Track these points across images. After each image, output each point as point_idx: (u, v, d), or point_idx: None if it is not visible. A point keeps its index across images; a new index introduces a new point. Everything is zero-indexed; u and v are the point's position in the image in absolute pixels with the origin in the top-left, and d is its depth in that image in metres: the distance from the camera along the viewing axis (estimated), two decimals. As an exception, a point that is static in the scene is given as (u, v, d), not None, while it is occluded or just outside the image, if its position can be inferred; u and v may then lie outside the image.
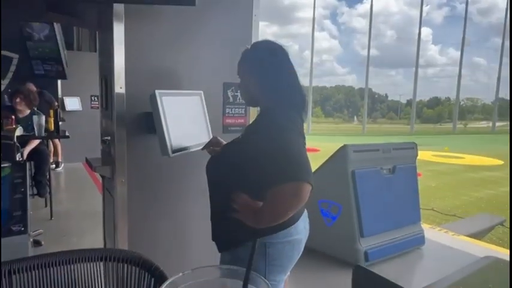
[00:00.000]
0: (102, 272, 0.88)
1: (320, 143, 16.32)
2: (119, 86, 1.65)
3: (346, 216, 2.62)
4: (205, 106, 1.77)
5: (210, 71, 1.89)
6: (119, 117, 1.65)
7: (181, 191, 1.86)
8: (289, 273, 1.30)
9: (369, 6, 31.99)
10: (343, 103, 64.01)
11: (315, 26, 32.69)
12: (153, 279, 0.84)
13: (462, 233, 3.50)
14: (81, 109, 6.73)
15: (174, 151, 1.51)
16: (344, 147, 2.63)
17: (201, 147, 1.54)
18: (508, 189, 9.18)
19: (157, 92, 1.50)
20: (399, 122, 51.37)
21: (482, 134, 33.69)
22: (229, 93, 1.95)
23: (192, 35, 1.83)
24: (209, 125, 1.77)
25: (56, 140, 5.91)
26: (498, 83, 35.79)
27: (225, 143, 1.47)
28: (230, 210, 1.12)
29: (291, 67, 1.23)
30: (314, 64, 33.66)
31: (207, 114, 1.77)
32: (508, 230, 4.95)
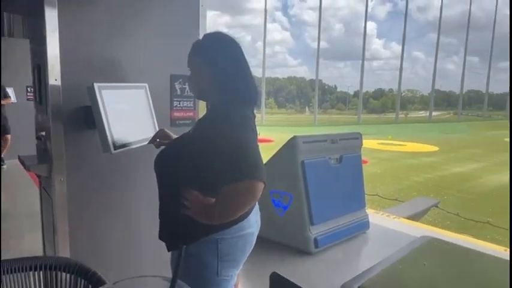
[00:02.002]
0: (33, 282, 0.81)
1: (274, 134, 16.58)
2: (54, 77, 1.52)
3: (297, 205, 2.70)
4: (150, 99, 1.70)
5: (156, 62, 1.81)
6: (54, 112, 1.53)
7: (127, 190, 1.78)
8: (241, 266, 1.31)
9: (318, -1, 32.75)
10: (295, 94, 65.48)
11: (267, 17, 32.83)
12: (90, 286, 0.79)
13: (402, 216, 3.78)
14: (15, 101, 6.15)
15: (116, 147, 1.43)
16: (294, 138, 2.69)
17: (146, 142, 1.48)
18: (442, 173, 10.07)
19: (95, 84, 1.40)
20: (347, 112, 53.85)
21: (421, 123, 36.46)
22: (177, 86, 1.89)
23: (135, 24, 1.73)
24: (155, 119, 1.71)
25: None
26: (434, 76, 38.88)
27: (173, 136, 1.42)
28: (181, 207, 1.10)
29: (243, 60, 1.21)
30: (267, 55, 33.93)
31: (152, 108, 1.70)
32: (441, 211, 5.45)
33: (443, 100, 54.89)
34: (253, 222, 1.23)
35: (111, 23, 1.66)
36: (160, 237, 1.25)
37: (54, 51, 1.51)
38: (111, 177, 1.71)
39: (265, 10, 31.71)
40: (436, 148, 15.36)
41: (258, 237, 1.29)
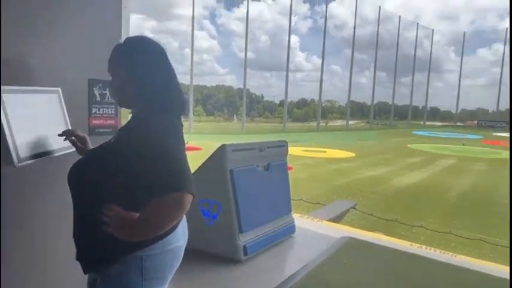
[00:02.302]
0: None
1: (202, 142, 16.38)
2: None
3: (226, 214, 2.69)
4: (64, 105, 1.55)
5: (72, 65, 1.66)
6: None
7: (36, 207, 1.58)
8: (168, 282, 1.25)
9: (245, 10, 33.62)
10: (224, 102, 65.84)
11: (195, 24, 32.57)
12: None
13: (325, 219, 4.03)
14: None
15: (21, 159, 1.27)
16: (223, 147, 2.69)
17: (59, 152, 1.34)
18: (358, 177, 11.00)
19: (-3, 87, 1.23)
20: (274, 120, 55.85)
21: (339, 131, 39.50)
22: (96, 91, 1.75)
23: (51, 24, 1.57)
24: (70, 126, 1.56)
25: None
26: (350, 88, 42.63)
27: (90, 144, 1.31)
28: (100, 224, 1.00)
29: (168, 66, 1.17)
30: (195, 63, 33.52)
31: (67, 115, 1.55)
32: (358, 212, 5.96)
33: (358, 110, 60.41)
34: (181, 235, 1.18)
35: (24, 22, 1.48)
36: (78, 258, 1.13)
37: None
38: (17, 194, 1.50)
39: (193, 17, 31.44)
40: (353, 154, 16.75)
41: (186, 248, 1.25)
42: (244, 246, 2.67)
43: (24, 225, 1.56)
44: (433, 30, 56.13)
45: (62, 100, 1.54)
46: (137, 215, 0.98)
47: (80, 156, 1.24)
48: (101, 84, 1.74)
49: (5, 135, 1.23)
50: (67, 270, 1.25)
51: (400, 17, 50.07)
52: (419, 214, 6.95)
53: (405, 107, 55.79)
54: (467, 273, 2.68)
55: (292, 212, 3.36)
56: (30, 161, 1.32)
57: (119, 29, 1.83)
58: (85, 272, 1.12)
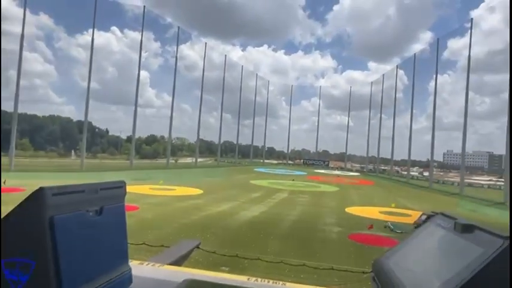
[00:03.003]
0: None
1: (28, 181, 13.65)
2: None
3: (41, 274, 2.20)
4: None
5: None
6: None
7: None
8: None
9: (90, 38, 31.02)
10: (59, 135, 57.31)
11: (25, 44, 27.83)
12: None
13: (167, 262, 3.83)
14: None
15: None
16: (40, 190, 2.24)
17: None
18: (206, 213, 11.17)
19: None
20: (120, 157, 51.96)
21: (189, 168, 39.92)
22: None
23: None
24: None
25: None
26: (199, 127, 44.15)
27: None
28: None
29: None
30: (23, 88, 28.27)
31: None
32: (203, 251, 5.95)
33: (206, 148, 62.89)
34: None
35: None
36: None
37: None
38: None
39: (22, 36, 26.85)
40: (201, 191, 17.07)
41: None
42: (65, 311, 2.23)
43: None
44: (268, 81, 65.51)
45: None
46: None
47: None
48: None
49: None
50: None
51: (242, 66, 56.41)
52: (259, 245, 7.52)
53: (247, 147, 61.64)
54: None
55: (129, 260, 3.06)
56: None
57: None
58: None
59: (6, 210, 2.27)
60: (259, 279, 3.42)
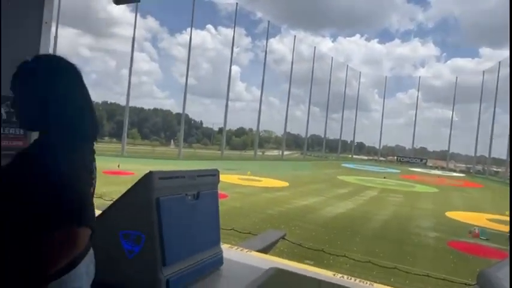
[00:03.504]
0: None
1: (136, 166, 15.62)
2: None
3: (149, 246, 2.53)
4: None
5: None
6: None
7: None
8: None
9: (188, 37, 33.89)
10: (161, 126, 64.08)
11: (135, 45, 31.78)
12: None
13: (254, 249, 4.01)
14: None
15: None
16: (149, 174, 2.57)
17: None
18: (291, 206, 11.29)
19: None
20: (212, 147, 55.65)
21: (275, 160, 40.62)
22: (3, 109, 1.58)
23: None
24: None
25: None
26: (286, 120, 44.59)
27: None
28: None
29: (80, 89, 1.10)
30: (132, 84, 32.37)
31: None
32: (288, 242, 6.06)
33: (293, 141, 63.13)
34: (82, 274, 1.06)
35: None
36: None
37: None
38: None
39: (134, 38, 30.72)
40: (286, 184, 17.25)
41: (102, 283, 1.13)
42: (167, 281, 2.51)
43: None
44: (360, 72, 62.25)
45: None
46: (26, 249, 0.87)
47: None
48: (8, 102, 1.57)
49: None
50: None
51: (332, 58, 54.80)
52: (345, 243, 7.30)
53: (335, 141, 59.88)
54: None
55: (220, 243, 3.29)
56: None
57: (37, 44, 1.70)
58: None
59: (120, 190, 2.65)
60: (345, 276, 3.34)
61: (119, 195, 2.45)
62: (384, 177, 27.53)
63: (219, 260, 3.17)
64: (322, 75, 53.52)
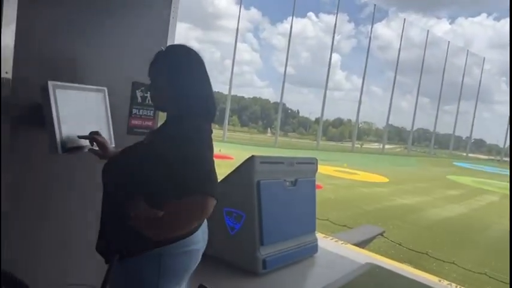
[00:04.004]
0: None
1: (234, 151, 16.59)
2: (5, 70, 1.43)
3: (249, 225, 2.69)
4: (108, 104, 1.65)
5: (119, 67, 1.77)
6: (2, 106, 1.43)
7: (68, 195, 1.68)
8: (183, 283, 1.27)
9: (288, 26, 34.10)
10: (259, 114, 66.47)
11: (238, 36, 33.43)
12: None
13: (350, 242, 3.90)
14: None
15: (64, 149, 1.37)
16: (251, 158, 2.71)
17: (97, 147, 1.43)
18: (390, 203, 10.58)
19: (50, 82, 1.35)
20: (307, 137, 55.38)
21: (374, 154, 38.33)
22: (138, 94, 1.85)
23: (102, 26, 1.70)
24: (111, 125, 1.65)
25: None
26: (389, 111, 41.45)
27: (110, 147, 1.38)
28: (125, 218, 1.06)
29: (205, 75, 1.23)
30: (234, 74, 34.24)
31: (109, 113, 1.65)
32: (386, 240, 5.70)
33: (396, 135, 58.51)
34: (200, 239, 1.21)
35: (75, 22, 1.60)
36: (98, 249, 1.19)
37: (8, 43, 1.43)
38: (53, 181, 1.61)
39: (237, 30, 32.30)
40: (386, 179, 16.17)
41: (204, 254, 1.27)
42: (264, 260, 2.65)
43: (53, 211, 1.66)
44: (484, 58, 53.62)
45: (107, 99, 1.64)
46: (161, 213, 1.03)
47: None
48: (143, 87, 1.84)
49: (53, 126, 1.34)
50: (91, 257, 1.31)
51: (449, 42, 48.46)
52: (454, 250, 6.54)
53: (447, 136, 53.26)
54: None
55: (316, 232, 3.30)
56: (71, 152, 1.41)
57: (165, 37, 1.93)
58: (106, 262, 1.17)
59: (220, 172, 2.86)
60: (453, 284, 3.02)
61: (221, 177, 2.65)
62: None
63: (313, 248, 3.20)
64: (435, 62, 47.94)
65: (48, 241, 1.65)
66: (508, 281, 4.93)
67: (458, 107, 50.25)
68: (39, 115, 1.42)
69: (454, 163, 36.41)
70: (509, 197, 9.22)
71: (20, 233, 1.55)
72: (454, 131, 51.35)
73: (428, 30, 46.35)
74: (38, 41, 1.50)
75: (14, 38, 1.44)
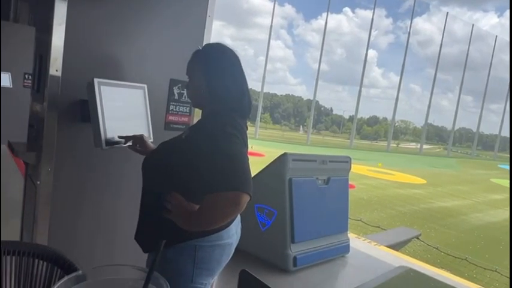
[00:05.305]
0: (8, 266, 0.81)
1: (266, 148, 16.64)
2: (55, 68, 1.54)
3: (280, 222, 2.70)
4: (147, 100, 1.72)
5: (157, 65, 1.84)
6: (51, 102, 1.54)
7: (111, 187, 1.78)
8: (216, 276, 1.31)
9: (323, 22, 33.55)
10: (291, 112, 66.09)
11: (272, 33, 33.35)
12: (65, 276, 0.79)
13: (383, 244, 3.81)
14: (11, 86, 6.10)
15: (108, 143, 1.45)
16: (284, 155, 2.71)
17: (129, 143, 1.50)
18: (427, 206, 10.16)
19: (96, 80, 1.43)
20: (341, 135, 54.33)
21: (411, 154, 36.86)
22: (175, 91, 1.91)
23: (142, 26, 1.77)
24: (150, 120, 1.73)
25: None
26: (428, 110, 39.64)
27: (151, 144, 1.44)
28: (163, 210, 1.11)
29: (241, 73, 1.25)
30: (267, 71, 34.28)
31: (149, 109, 1.73)
32: (422, 243, 5.50)
33: (435, 134, 55.87)
34: (233, 234, 1.24)
35: (118, 21, 1.69)
36: (136, 238, 1.25)
37: (58, 43, 1.53)
38: (98, 173, 1.72)
39: (271, 27, 32.26)
40: (424, 181, 15.53)
41: (236, 248, 1.30)
42: (295, 257, 2.65)
43: (98, 201, 1.76)
44: (536, 53, 49.63)
45: (147, 96, 1.72)
46: (197, 206, 1.06)
47: None
48: (180, 85, 1.89)
49: (98, 121, 1.42)
50: (134, 245, 1.38)
51: (496, 37, 45.44)
52: (496, 257, 6.18)
53: (492, 137, 50.11)
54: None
55: (348, 232, 3.24)
56: (114, 146, 1.49)
57: (202, 35, 1.98)
58: (144, 251, 1.24)
59: (256, 169, 2.88)
60: (495, 294, 2.85)
61: (252, 173, 2.68)
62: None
63: (345, 248, 3.15)
64: (481, 58, 45.18)
65: (94, 229, 1.76)
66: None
67: (505, 106, 46.99)
68: (84, 110, 1.51)
69: (499, 165, 34.20)
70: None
71: (67, 221, 1.67)
72: (500, 131, 48.15)
73: (473, 25, 43.75)
74: (85, 41, 1.60)
75: (64, 38, 1.54)
